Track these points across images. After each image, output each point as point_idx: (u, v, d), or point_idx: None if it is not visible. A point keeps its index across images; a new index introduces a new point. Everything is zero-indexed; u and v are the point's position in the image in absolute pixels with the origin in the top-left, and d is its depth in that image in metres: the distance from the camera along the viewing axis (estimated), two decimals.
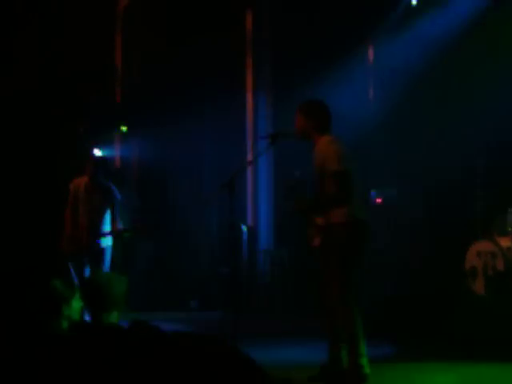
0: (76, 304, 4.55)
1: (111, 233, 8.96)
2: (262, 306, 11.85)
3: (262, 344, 8.26)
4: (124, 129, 13.96)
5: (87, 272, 8.85)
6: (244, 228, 12.19)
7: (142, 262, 12.90)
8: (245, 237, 12.18)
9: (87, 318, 4.82)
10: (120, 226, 9.02)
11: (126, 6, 14.32)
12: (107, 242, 8.98)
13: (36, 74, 13.04)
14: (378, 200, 10.91)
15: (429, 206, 10.64)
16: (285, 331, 9.82)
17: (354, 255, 6.35)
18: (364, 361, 6.18)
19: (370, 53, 12.00)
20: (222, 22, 12.90)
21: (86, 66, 13.23)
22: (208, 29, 12.94)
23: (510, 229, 9.03)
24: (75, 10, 13.14)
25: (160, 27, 13.60)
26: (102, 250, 8.93)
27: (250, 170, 12.37)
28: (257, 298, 12.04)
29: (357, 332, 6.20)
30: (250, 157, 12.44)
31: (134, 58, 14.38)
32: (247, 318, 10.61)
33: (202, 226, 13.08)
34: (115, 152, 14.28)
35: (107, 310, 4.48)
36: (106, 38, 14.09)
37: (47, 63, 13.12)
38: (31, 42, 13.14)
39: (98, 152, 12.80)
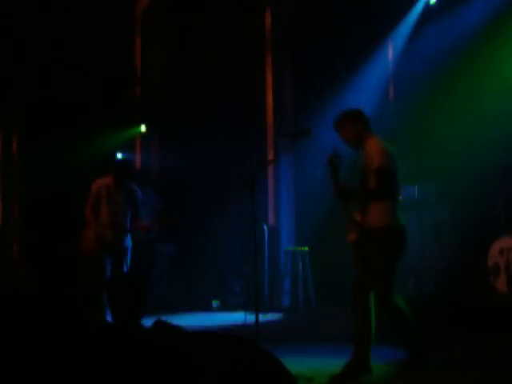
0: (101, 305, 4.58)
1: (138, 229, 9.13)
2: (285, 304, 11.86)
3: (285, 343, 8.24)
4: (142, 129, 13.99)
5: (109, 272, 8.93)
6: (265, 227, 12.19)
7: (163, 262, 12.93)
8: (266, 236, 12.18)
9: (109, 318, 4.85)
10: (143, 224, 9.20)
11: (145, 7, 14.35)
12: (128, 242, 9.10)
13: (56, 78, 13.11)
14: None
15: (451, 204, 10.59)
16: (307, 330, 9.82)
17: (394, 259, 6.43)
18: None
19: (390, 51, 11.95)
20: (242, 20, 12.91)
21: (106, 68, 13.27)
22: (227, 28, 12.95)
23: None
24: (95, 11, 13.19)
25: (179, 28, 13.62)
26: (124, 250, 9.05)
27: (271, 169, 12.37)
28: (278, 297, 12.05)
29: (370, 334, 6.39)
30: (271, 156, 12.44)
31: (153, 59, 14.42)
32: (269, 317, 10.71)
33: (224, 225, 13.07)
34: (136, 153, 14.31)
35: (130, 311, 4.49)
36: (126, 39, 14.12)
37: (67, 66, 13.18)
38: (49, 46, 13.20)
39: (119, 154, 12.86)
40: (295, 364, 5.52)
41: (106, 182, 9.17)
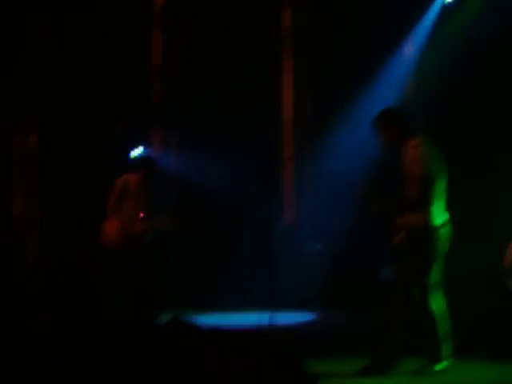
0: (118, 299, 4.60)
1: (164, 225, 9.34)
2: (302, 302, 11.85)
3: (302, 342, 8.26)
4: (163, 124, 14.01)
5: (129, 266, 9.02)
6: (282, 225, 12.19)
7: (181, 259, 12.94)
8: (283, 233, 12.17)
9: (127, 313, 4.88)
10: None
11: (163, 4, 14.36)
12: (149, 237, 9.23)
13: (75, 75, 13.15)
14: None
15: (467, 204, 10.54)
16: (324, 327, 9.84)
17: (431, 260, 6.49)
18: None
19: (410, 47, 11.91)
20: (260, 19, 12.90)
21: (124, 66, 13.29)
22: (246, 26, 12.95)
23: None
24: (113, 9, 13.21)
25: (197, 25, 13.62)
26: (144, 245, 9.17)
27: (289, 167, 12.37)
28: (296, 294, 12.05)
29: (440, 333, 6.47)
30: (288, 153, 12.44)
31: (172, 56, 14.41)
32: (285, 313, 10.70)
33: (241, 223, 13.07)
34: (154, 148, 14.31)
35: (148, 306, 4.51)
36: (144, 36, 14.13)
37: (86, 63, 13.21)
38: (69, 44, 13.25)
39: (139, 151, 12.92)
40: (314, 361, 5.53)
41: (132, 177, 9.36)
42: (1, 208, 13.34)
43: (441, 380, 6.35)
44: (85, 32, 13.23)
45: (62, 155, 13.08)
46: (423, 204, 6.41)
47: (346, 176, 11.17)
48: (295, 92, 12.95)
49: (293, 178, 12.66)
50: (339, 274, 11.50)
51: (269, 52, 13.06)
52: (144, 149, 12.85)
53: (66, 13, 13.16)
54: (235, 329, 3.67)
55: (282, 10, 13.11)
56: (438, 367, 6.49)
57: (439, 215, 6.52)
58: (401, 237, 6.54)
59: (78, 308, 4.09)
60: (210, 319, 10.12)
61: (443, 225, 6.53)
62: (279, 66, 13.08)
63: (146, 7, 14.16)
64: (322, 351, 7.75)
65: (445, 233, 6.54)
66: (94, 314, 4.14)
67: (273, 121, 13.06)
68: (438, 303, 6.52)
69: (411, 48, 11.85)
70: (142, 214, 9.28)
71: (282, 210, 12.55)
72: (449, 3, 11.03)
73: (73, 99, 12.99)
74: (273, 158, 12.24)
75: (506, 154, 9.91)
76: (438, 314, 6.50)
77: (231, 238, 13.16)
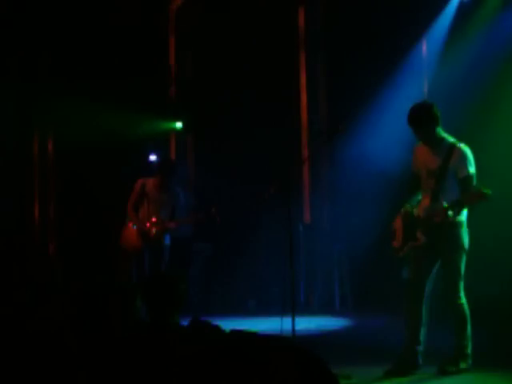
0: (138, 303, 4.59)
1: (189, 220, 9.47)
2: (321, 303, 11.82)
3: (322, 342, 8.25)
4: (178, 126, 14.01)
5: (147, 268, 9.06)
6: (301, 226, 12.15)
7: (200, 262, 12.92)
8: (302, 235, 12.14)
9: (145, 316, 4.86)
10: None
11: (178, 5, 14.38)
12: (167, 240, 9.26)
13: (91, 78, 13.18)
14: None
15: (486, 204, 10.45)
16: (342, 328, 9.82)
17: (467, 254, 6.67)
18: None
19: (424, 48, 11.86)
20: (275, 20, 12.88)
21: (140, 68, 13.32)
22: (260, 27, 12.93)
23: None
24: (129, 10, 13.25)
25: (212, 26, 13.63)
26: (163, 248, 9.20)
27: (306, 168, 12.35)
28: (314, 297, 12.03)
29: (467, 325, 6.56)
30: (305, 154, 12.41)
31: (187, 57, 14.44)
32: (305, 316, 10.65)
33: (259, 224, 13.05)
34: (171, 151, 14.34)
35: (168, 309, 4.50)
36: (160, 38, 14.16)
37: (101, 67, 13.25)
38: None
39: (154, 155, 12.97)
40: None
41: (151, 181, 9.40)
42: (22, 214, 13.41)
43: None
44: (97, 36, 13.28)
45: (78, 161, 13.12)
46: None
47: (365, 176, 11.16)
48: (310, 93, 12.93)
49: (310, 179, 12.62)
50: (360, 276, 11.46)
51: (284, 53, 13.03)
52: (161, 152, 12.88)
53: (82, 17, 13.20)
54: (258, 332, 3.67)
55: (296, 11, 13.08)
56: (463, 365, 6.49)
57: None
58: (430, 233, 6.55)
59: (98, 311, 4.09)
60: (228, 324, 10.09)
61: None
62: (296, 67, 13.05)
63: (162, 12, 14.20)
64: (347, 355, 7.77)
65: None
66: (112, 316, 4.13)
67: (291, 122, 13.05)
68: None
69: (427, 48, 11.80)
70: (159, 217, 9.30)
71: (301, 211, 12.53)
72: (467, 1, 10.96)
73: (88, 103, 13.02)
74: (292, 158, 12.20)
75: None
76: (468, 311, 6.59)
77: (250, 240, 13.14)
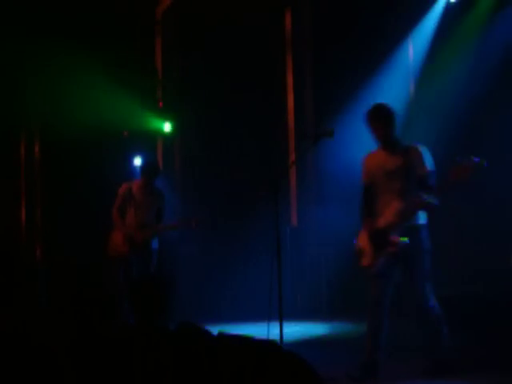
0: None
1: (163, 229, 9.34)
2: (308, 307, 11.81)
3: (310, 345, 8.23)
4: (167, 129, 13.97)
5: (135, 273, 9.03)
6: (288, 229, 12.15)
7: (186, 264, 12.89)
8: (289, 238, 12.13)
9: (132, 320, 4.83)
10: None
11: (165, 9, 14.35)
12: (155, 244, 9.23)
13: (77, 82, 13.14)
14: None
15: (476, 205, 10.50)
16: (329, 331, 9.82)
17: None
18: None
19: (410, 50, 11.89)
20: (261, 21, 12.88)
21: (127, 70, 13.29)
22: (247, 29, 12.93)
23: None
24: (115, 13, 13.22)
25: (199, 29, 13.61)
26: (151, 252, 9.17)
27: (293, 171, 12.35)
28: (303, 299, 12.01)
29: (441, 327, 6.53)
30: (293, 157, 12.41)
31: (174, 60, 14.41)
32: (293, 321, 10.63)
33: (247, 227, 13.03)
34: (157, 154, 14.30)
35: (155, 313, 4.48)
36: (146, 41, 14.14)
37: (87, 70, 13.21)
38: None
39: (141, 157, 12.92)
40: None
41: (134, 184, 9.36)
42: (8, 218, 13.35)
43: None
44: (86, 40, 13.23)
45: (66, 164, 13.08)
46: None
47: (352, 179, 11.15)
48: (297, 95, 12.93)
49: (297, 182, 12.62)
50: (347, 279, 11.45)
51: (271, 55, 13.03)
52: (146, 155, 12.83)
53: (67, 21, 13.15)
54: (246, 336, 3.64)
55: (283, 12, 13.08)
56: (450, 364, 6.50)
57: None
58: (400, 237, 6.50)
59: (86, 315, 4.07)
60: (214, 329, 10.03)
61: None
62: (282, 69, 13.05)
63: (148, 15, 14.17)
64: (334, 359, 7.77)
65: None
66: (101, 320, 4.12)
67: (278, 124, 13.04)
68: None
69: (413, 49, 11.82)
70: (146, 222, 9.27)
71: (288, 214, 12.52)
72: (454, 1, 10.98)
73: (75, 107, 12.98)
74: (279, 161, 12.21)
75: None
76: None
77: (237, 243, 13.12)
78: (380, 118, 6.66)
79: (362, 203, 6.96)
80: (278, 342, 6.08)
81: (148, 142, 13.94)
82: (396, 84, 11.71)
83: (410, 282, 6.59)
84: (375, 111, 6.70)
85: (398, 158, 6.59)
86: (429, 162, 6.51)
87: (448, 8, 11.09)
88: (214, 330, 4.20)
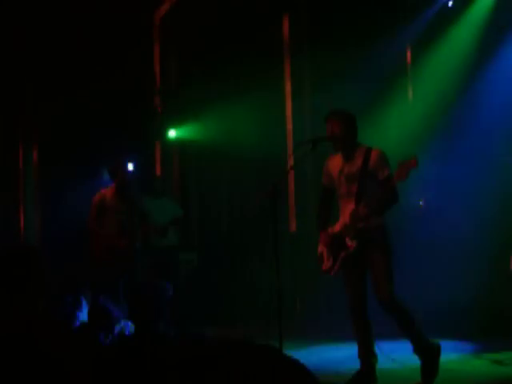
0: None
1: (148, 234, 9.28)
2: (308, 312, 11.78)
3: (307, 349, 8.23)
4: (171, 135, 13.95)
5: (122, 281, 8.93)
6: (287, 235, 12.13)
7: (185, 271, 12.86)
8: (288, 244, 12.11)
9: (128, 328, 4.81)
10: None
11: (163, 16, 14.37)
12: (138, 249, 9.18)
13: (76, 88, 13.16)
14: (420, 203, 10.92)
15: (469, 208, 10.50)
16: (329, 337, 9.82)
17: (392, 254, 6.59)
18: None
19: (408, 55, 11.89)
20: (259, 26, 12.88)
21: (125, 77, 13.31)
22: (245, 34, 12.93)
23: None
24: (114, 20, 13.23)
25: (197, 35, 13.62)
26: (134, 258, 9.10)
27: (291, 176, 12.34)
28: (302, 304, 11.99)
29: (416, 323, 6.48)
30: (290, 163, 12.39)
31: (172, 67, 14.42)
32: (293, 325, 10.60)
33: (246, 233, 13.02)
34: (156, 161, 14.30)
35: (151, 319, 4.47)
36: (145, 48, 14.15)
37: (86, 76, 13.22)
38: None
39: (130, 165, 12.93)
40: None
41: (108, 192, 9.24)
42: (8, 224, 13.37)
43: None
44: (84, 44, 13.25)
45: (63, 170, 13.10)
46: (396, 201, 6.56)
47: None
48: (295, 100, 12.93)
49: (295, 188, 12.61)
50: None
51: (269, 61, 13.03)
52: (142, 160, 12.81)
53: (66, 25, 13.17)
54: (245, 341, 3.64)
55: (281, 18, 13.07)
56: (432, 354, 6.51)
57: None
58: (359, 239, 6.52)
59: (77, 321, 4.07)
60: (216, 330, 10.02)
61: None
62: (280, 75, 13.05)
63: (147, 20, 14.20)
64: (333, 364, 7.75)
65: None
66: (92, 327, 4.12)
67: (276, 130, 13.03)
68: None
69: (411, 54, 11.82)
70: (125, 228, 9.18)
71: (287, 220, 12.51)
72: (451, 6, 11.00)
73: (74, 112, 13.00)
74: (278, 167, 12.20)
75: None
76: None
77: (236, 250, 13.11)
78: (339, 121, 6.72)
79: (319, 206, 7.07)
80: (277, 347, 6.06)
81: (146, 149, 13.94)
82: (395, 89, 11.71)
83: (373, 282, 6.55)
84: (334, 116, 6.77)
85: (357, 162, 6.63)
86: (389, 164, 6.56)
87: (445, 12, 11.12)
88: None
